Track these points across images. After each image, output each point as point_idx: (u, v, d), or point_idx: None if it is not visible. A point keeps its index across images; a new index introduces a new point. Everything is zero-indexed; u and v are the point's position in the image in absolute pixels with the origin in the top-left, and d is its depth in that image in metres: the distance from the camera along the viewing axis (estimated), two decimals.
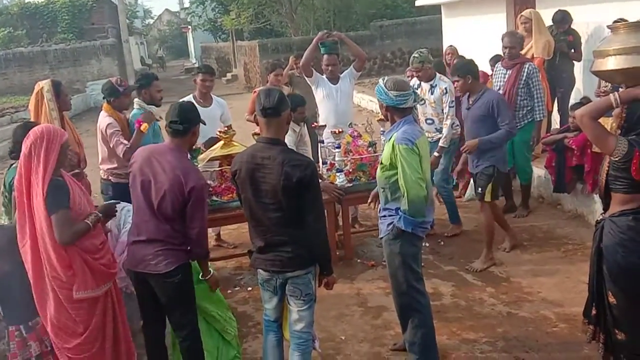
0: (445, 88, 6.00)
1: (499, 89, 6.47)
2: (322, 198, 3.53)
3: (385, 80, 3.83)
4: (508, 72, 6.46)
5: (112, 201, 3.94)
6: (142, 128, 5.22)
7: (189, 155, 3.82)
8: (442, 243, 6.15)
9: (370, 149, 5.83)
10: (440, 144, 5.96)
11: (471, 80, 5.32)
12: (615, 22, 5.46)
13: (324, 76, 6.46)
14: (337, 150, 5.72)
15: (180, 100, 6.00)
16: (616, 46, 3.19)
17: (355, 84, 6.88)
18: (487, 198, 5.43)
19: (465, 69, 5.30)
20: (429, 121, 6.15)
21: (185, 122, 3.54)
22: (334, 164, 5.78)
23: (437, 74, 6.15)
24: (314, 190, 3.34)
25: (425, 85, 6.14)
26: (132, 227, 3.71)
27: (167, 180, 3.47)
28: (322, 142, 6.12)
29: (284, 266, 3.44)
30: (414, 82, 6.23)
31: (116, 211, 3.87)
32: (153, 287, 3.59)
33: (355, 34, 22.08)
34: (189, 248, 3.57)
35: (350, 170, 5.76)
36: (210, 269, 3.81)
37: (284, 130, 3.47)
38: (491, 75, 7.02)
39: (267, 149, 3.37)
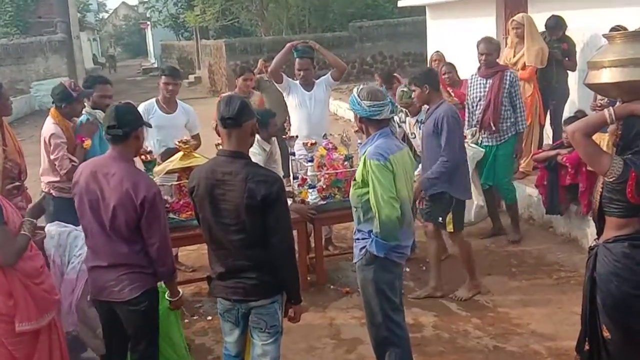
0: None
1: (479, 100, 6.57)
2: (290, 217, 3.52)
3: (359, 90, 3.87)
4: (489, 82, 6.55)
5: (39, 201, 3.93)
6: (84, 145, 5.18)
7: (143, 168, 3.80)
8: (424, 268, 6.17)
9: (346, 163, 5.85)
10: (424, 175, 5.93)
11: (429, 91, 5.29)
12: (611, 30, 5.60)
13: (297, 82, 6.49)
14: (309, 164, 5.73)
15: (141, 104, 6.01)
16: (612, 57, 3.22)
17: (332, 89, 6.93)
18: (450, 229, 5.40)
19: (423, 79, 5.33)
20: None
21: (125, 126, 3.51)
22: (306, 179, 5.79)
23: (423, 107, 6.24)
24: (280, 209, 3.34)
25: (412, 120, 6.26)
26: (88, 252, 3.69)
27: (114, 195, 3.45)
28: (293, 154, 6.13)
29: (247, 294, 3.42)
30: (401, 116, 6.33)
31: (44, 207, 3.88)
32: (119, 316, 3.59)
33: (332, 35, 22.25)
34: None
35: (324, 186, 5.78)
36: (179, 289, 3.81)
37: (247, 142, 3.45)
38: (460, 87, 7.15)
39: (229, 163, 3.35)
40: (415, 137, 6.24)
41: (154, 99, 6.20)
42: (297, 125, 6.49)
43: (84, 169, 3.63)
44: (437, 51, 8.58)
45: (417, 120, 6.25)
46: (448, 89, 7.30)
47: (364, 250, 3.86)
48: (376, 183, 3.70)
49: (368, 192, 3.77)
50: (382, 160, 3.71)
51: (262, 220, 3.29)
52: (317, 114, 6.45)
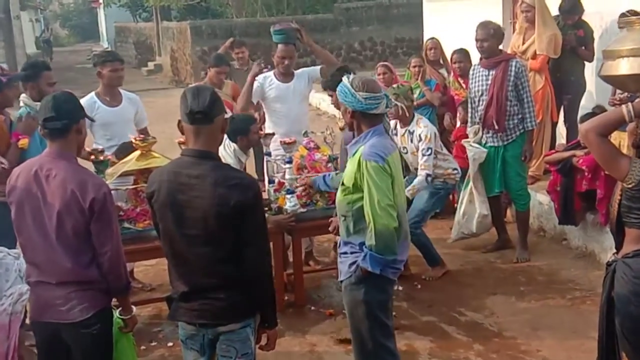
0: (420, 134, 6.12)
1: (481, 94, 6.59)
2: (267, 227, 3.52)
3: (351, 79, 3.87)
4: (491, 73, 6.53)
5: None
6: (20, 144, 5.14)
7: (93, 169, 3.80)
8: (419, 287, 6.21)
9: (330, 164, 5.87)
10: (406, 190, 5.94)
11: None
12: (621, 16, 5.57)
13: (270, 73, 6.50)
14: (287, 166, 5.74)
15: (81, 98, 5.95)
16: (630, 45, 3.26)
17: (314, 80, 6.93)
18: None
19: (336, 84, 5.34)
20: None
21: (64, 117, 3.50)
22: (284, 183, 5.80)
23: (415, 115, 6.30)
24: (256, 218, 3.32)
25: (402, 131, 6.27)
26: (28, 267, 3.67)
27: (58, 199, 3.44)
28: (269, 154, 6.14)
29: (215, 318, 3.39)
30: (392, 124, 6.31)
31: None
32: (66, 341, 3.56)
33: (314, 17, 22.29)
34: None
35: (304, 192, 5.80)
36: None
37: (217, 141, 3.44)
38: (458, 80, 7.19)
39: (196, 164, 3.31)
40: (407, 152, 6.24)
41: (92, 93, 6.13)
42: (273, 121, 6.50)
43: (22, 170, 3.60)
44: (432, 38, 8.59)
45: (407, 131, 6.25)
46: (459, 79, 7.35)
47: (354, 267, 3.86)
48: (373, 188, 3.71)
49: (360, 199, 3.79)
50: (381, 161, 3.73)
51: (234, 230, 3.27)
52: (296, 108, 6.47)
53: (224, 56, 8.21)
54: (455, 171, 6.35)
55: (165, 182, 3.34)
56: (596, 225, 6.52)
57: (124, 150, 5.60)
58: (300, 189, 5.74)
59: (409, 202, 6.08)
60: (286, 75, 6.48)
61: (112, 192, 3.82)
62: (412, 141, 6.19)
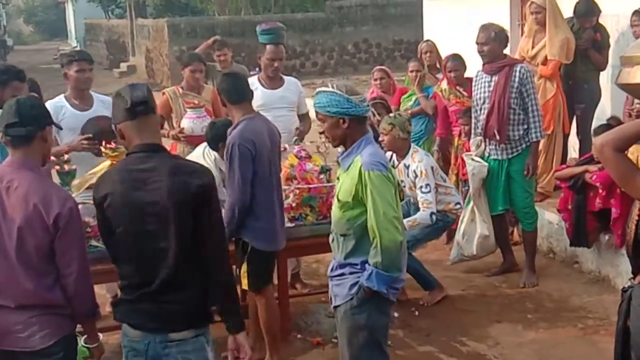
0: (415, 170, 6.15)
1: (483, 102, 6.61)
2: (222, 217, 3.61)
3: (336, 87, 3.94)
4: (494, 79, 6.56)
5: None
6: None
7: (58, 181, 3.78)
8: (416, 313, 6.21)
9: (322, 176, 5.86)
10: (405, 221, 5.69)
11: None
12: (634, 13, 5.49)
13: (255, 78, 6.47)
14: None
15: (46, 103, 5.94)
16: None
17: (304, 84, 6.93)
18: (244, 284, 5.17)
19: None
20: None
21: (29, 123, 3.49)
22: None
23: (411, 148, 6.33)
24: (215, 205, 3.41)
25: (400, 166, 6.30)
26: None
27: (19, 213, 3.42)
28: None
29: (166, 322, 3.36)
30: (388, 155, 6.28)
31: None
32: None
33: (304, 16, 22.40)
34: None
35: (294, 204, 5.79)
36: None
37: (160, 134, 3.57)
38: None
39: (146, 158, 3.36)
40: (405, 185, 6.27)
41: (61, 96, 6.10)
42: None
43: None
44: (428, 40, 8.58)
45: (402, 164, 6.28)
46: (458, 87, 7.36)
47: (356, 288, 3.88)
48: (378, 199, 3.75)
49: (362, 213, 3.83)
50: (384, 170, 3.81)
51: (194, 219, 3.32)
52: (286, 116, 6.45)
53: (196, 53, 8.18)
54: (458, 205, 6.38)
55: (118, 182, 3.38)
56: (611, 247, 6.53)
57: (93, 129, 5.60)
58: (289, 200, 5.73)
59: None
60: (274, 80, 6.45)
61: (79, 206, 3.80)
62: (408, 176, 6.22)
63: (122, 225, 3.39)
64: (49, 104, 5.92)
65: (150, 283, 3.37)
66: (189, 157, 5.40)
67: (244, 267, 5.13)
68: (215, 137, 5.60)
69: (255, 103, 6.37)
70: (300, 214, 5.81)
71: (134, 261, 3.42)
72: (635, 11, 7.18)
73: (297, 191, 5.79)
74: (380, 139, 6.15)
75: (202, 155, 5.74)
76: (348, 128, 3.91)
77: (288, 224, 5.66)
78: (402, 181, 6.23)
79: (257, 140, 5.01)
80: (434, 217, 6.08)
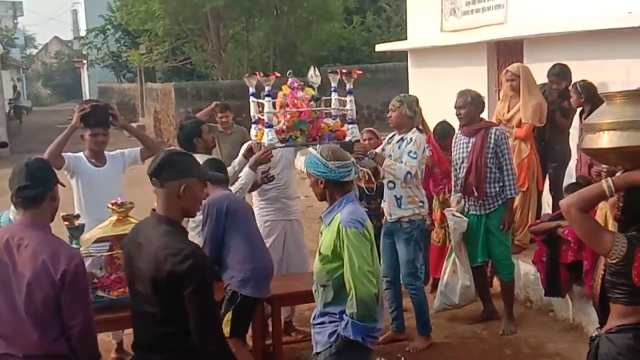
0: (410, 138, 6.17)
1: (462, 161, 6.67)
2: (210, 304, 3.37)
3: (319, 150, 3.99)
4: (471, 140, 6.63)
5: None
6: None
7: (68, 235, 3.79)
8: (402, 359, 6.16)
9: (312, 103, 5.79)
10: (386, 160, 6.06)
11: None
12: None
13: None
14: (267, 99, 5.57)
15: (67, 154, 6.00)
16: (610, 119, 3.30)
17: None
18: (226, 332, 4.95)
19: None
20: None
21: (39, 185, 3.52)
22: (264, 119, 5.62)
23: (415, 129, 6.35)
24: (193, 294, 3.22)
25: (395, 139, 6.35)
26: None
27: (28, 269, 3.42)
28: (254, 95, 5.92)
29: None
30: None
31: None
32: None
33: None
34: None
35: (285, 127, 5.66)
36: None
37: (175, 206, 3.39)
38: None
39: (153, 226, 3.41)
40: (392, 157, 6.24)
41: (80, 153, 6.20)
42: None
43: None
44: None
45: (401, 138, 6.29)
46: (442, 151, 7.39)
47: (334, 337, 3.87)
48: (354, 254, 3.77)
49: (340, 267, 3.85)
50: (360, 227, 3.83)
51: (170, 299, 3.25)
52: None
53: (191, 115, 8.29)
54: (422, 203, 6.28)
55: (129, 237, 3.51)
56: (583, 297, 6.52)
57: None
58: (281, 124, 5.66)
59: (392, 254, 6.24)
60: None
61: (87, 258, 3.81)
62: (399, 147, 6.21)
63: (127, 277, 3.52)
64: (72, 155, 6.07)
65: (138, 342, 3.47)
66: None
67: (228, 316, 5.10)
68: (188, 135, 5.90)
69: None
70: (291, 135, 5.70)
71: (132, 317, 3.50)
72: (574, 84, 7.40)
73: (289, 116, 5.68)
74: (387, 115, 6.43)
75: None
76: (325, 188, 3.97)
77: (278, 143, 5.61)
78: (389, 156, 6.21)
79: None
80: (408, 176, 6.02)
